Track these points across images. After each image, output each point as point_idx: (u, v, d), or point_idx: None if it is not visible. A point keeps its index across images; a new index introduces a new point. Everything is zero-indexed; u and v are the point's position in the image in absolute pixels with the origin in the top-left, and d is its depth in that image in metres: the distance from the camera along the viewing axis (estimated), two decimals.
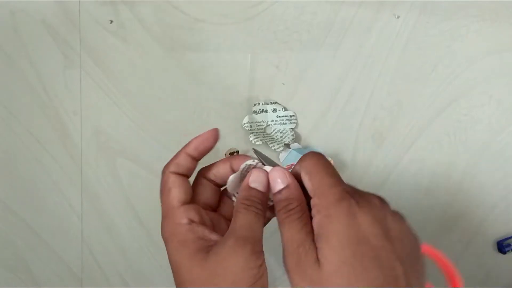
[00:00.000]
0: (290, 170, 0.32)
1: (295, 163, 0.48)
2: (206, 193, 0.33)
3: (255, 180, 0.32)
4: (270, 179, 0.31)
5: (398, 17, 0.48)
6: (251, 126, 0.47)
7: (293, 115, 0.48)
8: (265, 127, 0.48)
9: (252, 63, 0.48)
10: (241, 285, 0.28)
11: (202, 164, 0.34)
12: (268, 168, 0.33)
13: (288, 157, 0.47)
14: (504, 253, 0.50)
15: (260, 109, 0.47)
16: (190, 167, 0.33)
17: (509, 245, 0.50)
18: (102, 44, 0.46)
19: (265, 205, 0.32)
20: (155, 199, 0.48)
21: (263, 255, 0.30)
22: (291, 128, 0.48)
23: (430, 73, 0.49)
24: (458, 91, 0.49)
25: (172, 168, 0.32)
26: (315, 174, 0.29)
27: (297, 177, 0.31)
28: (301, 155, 0.48)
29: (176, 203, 0.31)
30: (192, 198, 0.32)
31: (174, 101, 0.47)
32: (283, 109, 0.48)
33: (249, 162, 0.33)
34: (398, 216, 0.29)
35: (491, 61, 0.49)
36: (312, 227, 0.28)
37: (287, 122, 0.48)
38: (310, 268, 0.27)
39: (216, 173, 0.33)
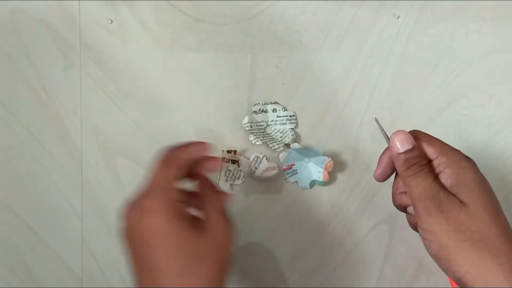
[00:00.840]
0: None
1: (295, 163, 0.48)
2: (184, 171, 0.36)
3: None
4: (396, 139, 0.35)
5: (398, 17, 0.48)
6: (251, 126, 0.47)
7: (293, 115, 0.48)
8: (265, 127, 0.48)
9: (252, 63, 0.48)
10: (229, 256, 0.35)
11: None
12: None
13: (288, 157, 0.47)
14: None
15: (260, 109, 0.47)
16: (188, 161, 0.37)
17: None
18: (102, 44, 0.46)
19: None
20: None
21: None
22: (291, 128, 0.48)
23: (430, 73, 0.49)
24: (458, 91, 0.49)
25: (183, 154, 0.36)
26: (434, 140, 0.35)
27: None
28: (301, 155, 0.48)
29: (174, 184, 0.34)
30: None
31: (174, 101, 0.47)
32: (283, 109, 0.48)
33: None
34: None
35: (491, 61, 0.49)
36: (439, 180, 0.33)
37: (287, 122, 0.48)
38: (457, 208, 0.32)
39: (188, 154, 0.37)
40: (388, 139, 0.36)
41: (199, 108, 0.47)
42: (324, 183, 0.47)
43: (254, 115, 0.47)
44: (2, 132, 0.46)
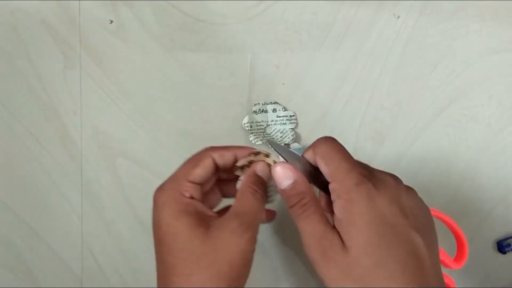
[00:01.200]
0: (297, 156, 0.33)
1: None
2: (210, 170, 0.34)
3: (261, 170, 0.34)
4: (275, 175, 0.32)
5: (398, 17, 0.48)
6: (251, 126, 0.47)
7: (293, 115, 0.48)
8: (265, 127, 0.48)
9: (252, 63, 0.48)
10: (236, 266, 0.30)
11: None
12: (269, 160, 0.35)
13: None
14: (504, 253, 0.50)
15: (260, 109, 0.47)
16: (228, 166, 0.35)
17: (509, 245, 0.50)
18: (102, 44, 0.46)
19: (265, 196, 0.34)
20: None
21: (256, 242, 0.32)
22: (291, 128, 0.48)
23: (430, 73, 0.49)
24: (458, 91, 0.49)
25: (216, 155, 0.34)
26: (331, 159, 0.30)
27: (312, 162, 0.32)
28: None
29: (191, 178, 0.32)
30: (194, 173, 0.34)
31: (174, 101, 0.47)
32: (283, 109, 0.48)
33: (254, 156, 0.35)
34: (411, 192, 0.32)
35: (491, 61, 0.49)
36: (325, 216, 0.30)
37: (287, 122, 0.48)
38: (338, 255, 0.28)
39: (222, 156, 0.34)
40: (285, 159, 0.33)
41: (199, 108, 0.47)
42: None
43: (254, 115, 0.47)
44: (2, 132, 0.46)
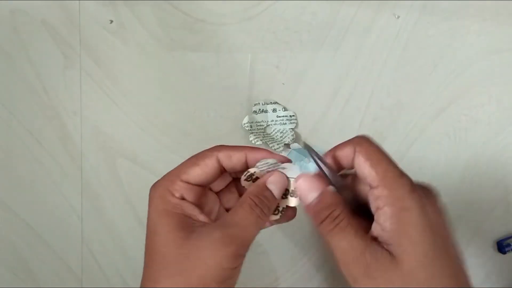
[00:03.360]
0: (322, 154, 0.29)
1: (295, 163, 0.48)
2: (212, 170, 0.31)
3: (274, 182, 0.30)
4: (298, 190, 0.29)
5: (398, 17, 0.48)
6: (251, 126, 0.47)
7: (293, 115, 0.48)
8: (265, 127, 0.48)
9: (252, 63, 0.48)
10: (207, 281, 0.26)
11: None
12: (289, 172, 0.30)
13: (288, 157, 0.47)
14: (504, 253, 0.50)
15: (260, 109, 0.47)
16: (237, 168, 0.31)
17: (509, 245, 0.50)
18: (102, 44, 0.46)
19: (270, 212, 0.30)
20: None
21: (243, 259, 0.28)
22: (291, 128, 0.48)
23: (430, 73, 0.49)
24: (458, 91, 0.49)
25: (222, 155, 0.30)
26: (379, 162, 0.27)
27: (342, 158, 0.28)
28: (301, 155, 0.48)
29: (185, 178, 0.30)
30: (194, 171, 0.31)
31: (174, 101, 0.47)
32: (283, 109, 0.48)
33: (270, 161, 0.30)
34: (442, 205, 0.29)
35: (491, 61, 0.49)
36: (362, 227, 0.26)
37: (287, 122, 0.48)
38: (387, 270, 0.25)
39: (229, 157, 0.31)
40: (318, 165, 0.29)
41: (199, 108, 0.47)
42: None
43: (254, 115, 0.47)
44: (2, 132, 0.46)
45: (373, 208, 0.27)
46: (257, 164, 0.30)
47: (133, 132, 0.47)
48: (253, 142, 0.47)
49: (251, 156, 0.30)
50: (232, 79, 0.48)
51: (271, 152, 0.31)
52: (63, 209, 0.47)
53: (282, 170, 0.30)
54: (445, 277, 0.25)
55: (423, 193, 0.27)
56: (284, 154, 0.47)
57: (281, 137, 0.47)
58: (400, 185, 0.26)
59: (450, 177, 0.50)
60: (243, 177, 0.31)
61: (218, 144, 0.31)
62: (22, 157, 0.46)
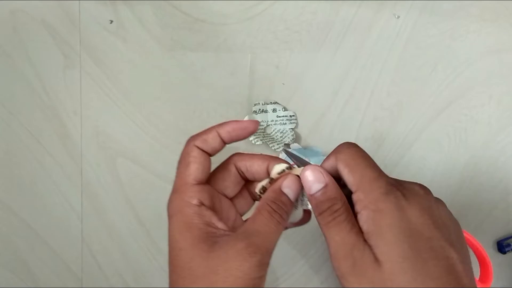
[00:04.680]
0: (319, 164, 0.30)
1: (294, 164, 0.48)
2: (230, 181, 0.31)
3: (288, 186, 0.30)
4: (304, 179, 0.29)
5: (398, 17, 0.48)
6: None
7: (293, 115, 0.48)
8: (265, 127, 0.48)
9: (252, 63, 0.48)
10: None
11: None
12: (298, 170, 0.30)
13: (288, 157, 0.47)
14: (504, 253, 0.50)
15: (260, 109, 0.47)
16: (217, 148, 0.30)
17: (509, 245, 0.50)
18: (102, 44, 0.46)
19: (288, 216, 0.30)
20: (155, 199, 0.48)
21: (268, 267, 0.28)
22: (291, 128, 0.48)
23: (430, 73, 0.49)
24: (458, 91, 0.49)
25: (198, 142, 0.30)
26: (356, 167, 0.27)
27: (330, 170, 0.29)
28: (301, 155, 0.48)
29: (192, 180, 0.29)
30: (213, 179, 0.31)
31: (174, 101, 0.47)
32: (283, 109, 0.48)
33: (285, 166, 0.30)
34: (440, 202, 0.29)
35: (491, 61, 0.49)
36: (357, 226, 0.27)
37: (287, 122, 0.48)
38: (370, 268, 0.25)
39: (249, 167, 0.31)
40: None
41: (199, 108, 0.47)
42: None
43: (254, 115, 0.47)
44: (2, 132, 0.46)
45: (356, 212, 0.27)
46: (272, 172, 0.30)
47: (133, 132, 0.47)
48: (253, 142, 0.47)
49: (221, 130, 0.31)
50: (232, 79, 0.48)
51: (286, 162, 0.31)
52: (63, 209, 0.47)
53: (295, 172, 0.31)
54: (430, 280, 0.25)
55: (405, 193, 0.27)
56: (284, 154, 0.47)
57: (281, 137, 0.47)
58: (375, 187, 0.26)
59: (450, 177, 0.50)
60: (258, 191, 0.31)
61: (189, 137, 0.31)
62: (22, 157, 0.46)
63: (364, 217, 0.26)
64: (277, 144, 0.47)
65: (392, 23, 0.48)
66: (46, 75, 0.46)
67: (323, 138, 0.48)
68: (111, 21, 0.46)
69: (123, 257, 0.48)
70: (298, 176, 0.30)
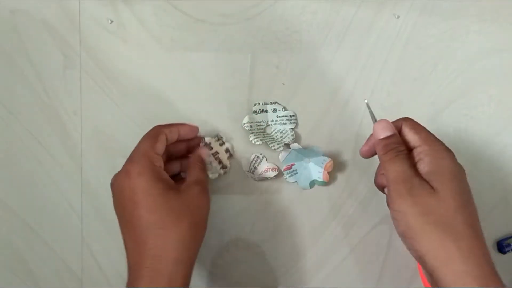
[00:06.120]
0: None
1: (295, 163, 0.48)
2: (164, 144, 0.40)
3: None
4: (378, 126, 0.38)
5: (398, 17, 0.48)
6: (251, 126, 0.47)
7: (293, 115, 0.48)
8: (265, 127, 0.48)
9: (252, 63, 0.48)
10: (204, 218, 0.39)
11: None
12: (224, 146, 0.46)
13: (288, 157, 0.47)
14: (504, 253, 0.50)
15: (260, 109, 0.47)
16: (173, 140, 0.42)
17: (509, 245, 0.50)
18: (102, 44, 0.46)
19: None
20: None
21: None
22: (291, 128, 0.48)
23: (430, 73, 0.49)
24: (458, 91, 0.49)
25: (167, 131, 0.41)
26: (421, 130, 0.37)
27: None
28: (301, 155, 0.48)
29: (156, 150, 0.39)
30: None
31: (174, 101, 0.47)
32: (283, 109, 0.48)
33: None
34: None
35: (491, 61, 0.49)
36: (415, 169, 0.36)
37: (287, 122, 0.48)
38: (426, 193, 0.34)
39: (170, 131, 0.41)
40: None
41: (199, 108, 0.47)
42: (324, 183, 0.47)
43: (254, 115, 0.47)
44: (2, 132, 0.46)
45: (415, 160, 0.36)
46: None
47: (133, 132, 0.47)
48: (253, 142, 0.47)
49: (182, 129, 0.42)
50: (232, 79, 0.48)
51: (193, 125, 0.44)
52: (63, 209, 0.47)
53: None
54: (468, 212, 0.34)
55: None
56: (284, 154, 0.47)
57: (281, 137, 0.47)
58: (438, 144, 0.37)
59: None
60: (207, 144, 0.46)
61: (159, 124, 0.41)
62: (22, 157, 0.46)
63: (427, 161, 0.35)
64: (277, 144, 0.47)
65: (392, 23, 0.48)
66: (46, 75, 0.46)
67: (323, 138, 0.48)
68: (111, 21, 0.46)
69: (123, 257, 0.48)
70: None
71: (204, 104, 0.47)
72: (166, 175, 0.39)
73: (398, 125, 0.39)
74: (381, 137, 0.38)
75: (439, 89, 0.49)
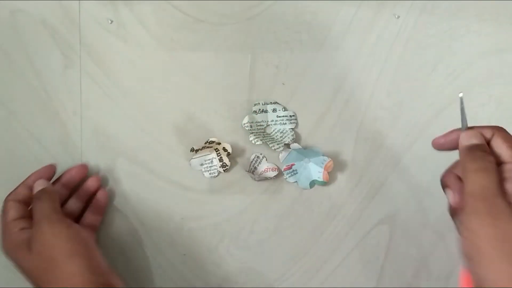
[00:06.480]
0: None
1: (295, 163, 0.48)
2: (20, 208, 0.42)
3: (38, 184, 0.42)
4: (466, 135, 0.34)
5: (398, 17, 0.48)
6: (251, 126, 0.47)
7: (293, 115, 0.48)
8: (265, 127, 0.48)
9: (252, 63, 0.48)
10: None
11: None
12: (220, 146, 0.45)
13: (288, 157, 0.47)
14: None
15: (260, 109, 0.47)
16: (27, 194, 0.42)
17: None
18: (102, 44, 0.46)
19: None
20: (155, 199, 0.48)
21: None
22: (291, 128, 0.48)
23: (430, 73, 0.49)
24: (458, 91, 0.49)
25: (11, 197, 0.42)
26: None
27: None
28: (301, 155, 0.48)
29: (10, 219, 0.40)
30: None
31: (174, 101, 0.47)
32: (283, 109, 0.48)
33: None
34: None
35: (491, 61, 0.49)
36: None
37: (287, 122, 0.48)
38: (506, 215, 0.30)
39: (17, 194, 0.42)
40: (463, 126, 0.35)
41: (199, 108, 0.47)
42: (324, 183, 0.47)
43: (254, 115, 0.47)
44: (2, 132, 0.46)
45: (502, 177, 0.32)
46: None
47: (133, 132, 0.47)
48: (253, 142, 0.47)
49: (31, 181, 0.43)
50: (232, 79, 0.48)
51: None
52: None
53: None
54: None
55: None
56: (284, 154, 0.47)
57: (281, 137, 0.47)
58: None
59: None
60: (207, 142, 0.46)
61: (7, 196, 0.42)
62: (22, 157, 0.46)
63: None
64: (277, 144, 0.47)
65: (392, 23, 0.48)
66: (46, 75, 0.46)
67: (323, 138, 0.48)
68: (111, 21, 0.46)
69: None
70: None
71: (204, 104, 0.47)
72: (26, 232, 0.39)
73: (488, 133, 0.34)
74: (467, 144, 0.34)
75: (439, 89, 0.49)
